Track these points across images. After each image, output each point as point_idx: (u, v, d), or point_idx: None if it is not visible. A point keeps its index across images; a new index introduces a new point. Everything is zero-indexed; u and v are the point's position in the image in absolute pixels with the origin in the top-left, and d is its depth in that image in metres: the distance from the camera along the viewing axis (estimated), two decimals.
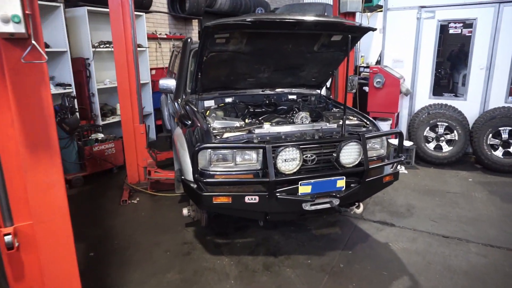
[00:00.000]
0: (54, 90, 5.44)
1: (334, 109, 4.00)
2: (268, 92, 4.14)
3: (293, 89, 4.29)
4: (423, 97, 6.17)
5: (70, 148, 4.95)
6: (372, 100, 5.96)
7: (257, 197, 2.72)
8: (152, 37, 7.82)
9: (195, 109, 3.52)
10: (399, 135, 3.21)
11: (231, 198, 2.72)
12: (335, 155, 2.86)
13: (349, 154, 2.87)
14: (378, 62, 6.96)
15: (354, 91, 5.40)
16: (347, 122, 3.40)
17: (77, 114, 5.57)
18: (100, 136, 5.37)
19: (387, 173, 3.17)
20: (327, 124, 3.22)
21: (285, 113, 4.07)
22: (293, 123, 3.57)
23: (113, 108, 6.86)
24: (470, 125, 5.71)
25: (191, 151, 2.95)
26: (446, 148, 5.58)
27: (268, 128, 3.04)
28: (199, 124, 3.10)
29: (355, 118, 3.54)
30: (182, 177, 3.07)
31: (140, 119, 4.69)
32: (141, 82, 7.06)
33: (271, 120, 3.62)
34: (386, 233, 3.58)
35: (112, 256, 3.22)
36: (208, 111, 3.73)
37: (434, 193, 4.56)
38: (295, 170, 2.74)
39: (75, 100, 5.37)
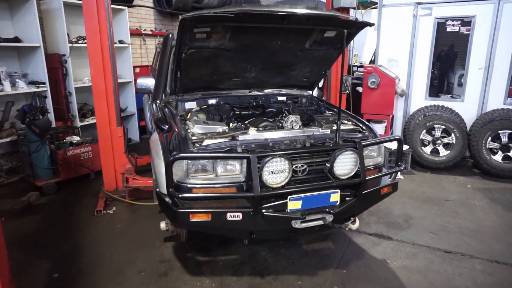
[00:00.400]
0: (26, 89, 5.04)
1: (326, 112, 3.69)
2: (255, 93, 3.81)
3: (283, 90, 3.98)
4: (419, 98, 5.91)
5: (42, 152, 4.56)
6: (366, 101, 5.67)
7: (240, 214, 2.40)
8: (136, 33, 7.43)
9: (175, 112, 3.18)
10: (398, 141, 2.91)
11: (210, 215, 2.39)
12: (328, 165, 2.55)
13: (344, 164, 2.56)
14: (372, 62, 6.69)
15: (348, 92, 5.13)
16: (341, 127, 3.09)
17: (49, 115, 5.18)
18: (76, 139, 4.98)
19: (385, 184, 2.87)
20: (320, 129, 2.90)
21: (273, 116, 3.75)
22: (282, 127, 3.25)
23: (93, 108, 6.43)
24: (468, 128, 5.46)
25: (167, 161, 2.62)
26: (443, 152, 5.32)
27: (253, 134, 2.71)
28: (176, 129, 2.76)
29: (350, 123, 3.23)
30: (157, 189, 2.73)
31: (117, 121, 4.32)
32: (124, 80, 6.72)
33: (258, 124, 3.30)
34: (383, 248, 3.28)
35: (78, 278, 2.87)
36: (189, 114, 3.40)
37: (432, 201, 4.29)
38: (283, 184, 2.42)
39: (46, 99, 4.99)
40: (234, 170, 2.54)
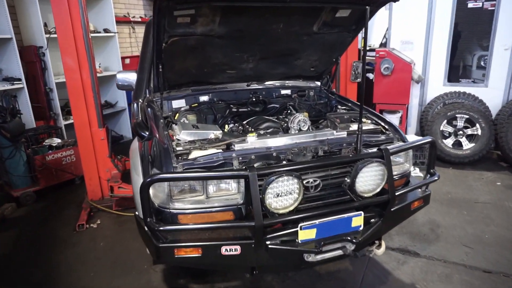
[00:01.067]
0: None
1: (339, 106, 3.13)
2: (254, 86, 3.26)
3: (287, 82, 3.42)
4: (437, 84, 5.33)
5: (16, 158, 4.05)
6: (378, 89, 5.10)
7: (238, 247, 1.89)
8: (124, 21, 6.82)
9: (159, 113, 2.64)
10: (431, 145, 2.37)
11: (201, 250, 1.88)
12: (348, 180, 2.02)
13: (369, 179, 2.03)
14: (382, 44, 6.07)
15: (358, 80, 4.55)
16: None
17: (28, 115, 4.67)
18: (56, 141, 4.46)
19: (416, 198, 2.35)
20: (334, 132, 2.36)
21: (277, 114, 3.21)
22: (288, 129, 2.72)
23: None
24: (493, 116, 4.90)
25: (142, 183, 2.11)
26: (467, 144, 4.77)
27: (253, 142, 2.18)
28: (157, 137, 2.23)
29: (369, 121, 2.69)
30: (136, 213, 2.22)
31: (99, 121, 3.79)
32: (111, 73, 6.14)
33: (258, 125, 2.77)
34: (410, 267, 2.78)
35: None
36: (177, 114, 2.87)
37: (460, 203, 3.76)
38: (292, 208, 1.90)
39: (21, 98, 4.46)
40: (229, 189, 2.02)
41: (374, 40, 6.64)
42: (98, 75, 5.21)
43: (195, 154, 2.11)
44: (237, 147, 2.15)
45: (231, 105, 3.12)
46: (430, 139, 2.35)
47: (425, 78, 5.33)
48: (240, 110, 3.14)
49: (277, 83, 3.36)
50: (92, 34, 5.60)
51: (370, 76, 5.65)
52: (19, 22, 5.07)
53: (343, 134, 2.38)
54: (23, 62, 4.79)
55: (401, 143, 2.37)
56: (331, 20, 2.61)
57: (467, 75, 5.34)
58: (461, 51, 5.25)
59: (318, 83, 3.43)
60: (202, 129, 2.47)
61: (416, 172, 4.45)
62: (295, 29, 2.60)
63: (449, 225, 3.36)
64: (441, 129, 4.81)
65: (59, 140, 4.50)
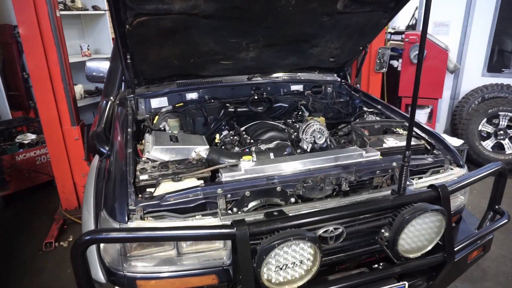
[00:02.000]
0: None
1: (364, 108, 2.45)
2: (257, 80, 2.58)
3: (298, 74, 2.73)
4: (474, 75, 4.55)
5: None
6: (406, 80, 4.35)
7: None
8: None
9: (130, 117, 2.01)
10: (500, 175, 1.69)
11: None
12: (387, 234, 1.37)
13: (418, 234, 1.37)
14: (410, 27, 5.26)
15: (384, 70, 3.85)
16: (396, 142, 1.88)
17: (3, 105, 4.07)
18: (29, 138, 3.86)
19: (475, 247, 1.69)
20: (363, 152, 1.69)
21: (285, 115, 2.55)
22: (298, 141, 2.06)
23: None
24: None
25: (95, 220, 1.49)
26: (510, 148, 4.04)
27: (248, 170, 1.53)
28: (118, 155, 1.61)
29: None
30: None
31: (71, 118, 3.16)
32: (102, 56, 5.47)
33: (260, 134, 2.10)
34: None
35: None
36: (156, 117, 2.22)
37: (508, 225, 3.07)
38: (302, 284, 1.26)
39: None
40: (211, 243, 1.38)
41: (400, 22, 5.81)
42: (86, 58, 4.57)
43: (164, 188, 1.48)
44: (225, 177, 1.51)
45: (227, 104, 2.47)
46: (500, 167, 1.66)
47: (460, 67, 4.55)
48: (238, 110, 2.48)
49: (286, 76, 2.68)
50: (80, 12, 4.96)
51: (395, 64, 4.89)
52: None
53: (376, 155, 1.71)
54: None
55: (457, 171, 1.70)
56: None
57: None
58: (506, 35, 4.43)
59: (338, 78, 2.74)
60: (182, 143, 1.83)
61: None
62: (312, 6, 1.89)
63: (497, 257, 2.70)
64: (479, 128, 4.08)
65: (33, 136, 3.89)
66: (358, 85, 2.76)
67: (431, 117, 4.51)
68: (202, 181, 1.53)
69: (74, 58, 4.66)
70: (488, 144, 4.10)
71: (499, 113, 3.99)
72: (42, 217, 3.43)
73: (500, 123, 4.04)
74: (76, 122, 3.19)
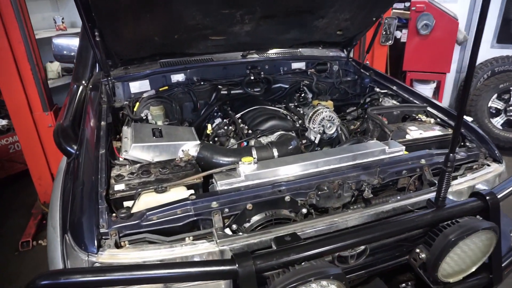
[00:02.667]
0: None
1: (376, 89, 2.14)
2: (253, 58, 2.25)
3: (300, 50, 2.39)
4: (483, 46, 4.19)
5: None
6: (411, 53, 4.03)
7: None
8: None
9: (105, 105, 1.69)
10: None
11: None
12: (423, 255, 1.11)
13: (463, 256, 1.11)
14: None
15: (390, 42, 3.51)
16: (420, 133, 1.60)
17: None
18: (1, 123, 3.49)
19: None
20: (386, 148, 1.40)
21: (285, 97, 2.24)
22: (304, 130, 1.77)
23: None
24: None
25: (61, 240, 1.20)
26: None
27: (248, 175, 1.24)
28: (88, 158, 1.30)
29: (431, 120, 1.73)
30: None
31: (43, 103, 2.80)
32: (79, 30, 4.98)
33: (259, 123, 1.80)
34: None
35: None
36: (136, 104, 1.90)
37: None
38: None
39: None
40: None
41: None
42: (62, 33, 4.12)
43: (145, 201, 1.18)
44: (220, 185, 1.22)
45: (219, 86, 2.14)
46: None
47: (469, 38, 4.23)
48: (232, 93, 2.16)
49: (286, 52, 2.34)
50: None
51: (398, 34, 4.54)
52: None
53: (400, 150, 1.43)
54: None
55: (494, 167, 1.44)
56: None
57: None
58: None
59: (344, 53, 2.41)
60: (167, 138, 1.52)
61: None
62: None
63: None
64: (489, 105, 3.82)
65: (4, 122, 3.52)
66: (367, 62, 2.43)
67: (436, 93, 4.23)
68: (192, 191, 1.24)
69: (48, 32, 4.18)
70: (498, 121, 3.86)
71: (511, 88, 3.72)
72: (18, 212, 3.13)
73: None
74: (48, 107, 2.83)
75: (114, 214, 1.11)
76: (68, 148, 1.50)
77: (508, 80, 3.72)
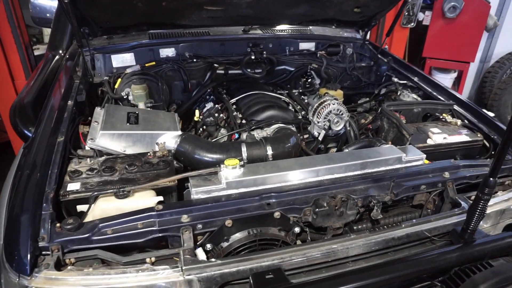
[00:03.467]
0: None
1: (394, 78, 1.87)
2: (256, 34, 1.97)
3: (310, 28, 2.10)
4: (510, 35, 3.87)
5: None
6: (434, 38, 3.66)
7: None
8: None
9: (77, 81, 1.45)
10: None
11: None
12: None
13: None
14: None
15: (412, 25, 3.21)
16: (444, 137, 1.34)
17: None
18: None
19: None
20: (403, 155, 1.16)
21: (290, 81, 1.98)
22: (307, 123, 1.53)
23: (38, 33, 4.58)
24: None
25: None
26: None
27: (231, 183, 1.01)
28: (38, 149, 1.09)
29: (458, 121, 1.46)
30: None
31: (25, 70, 2.57)
32: None
33: (255, 112, 1.56)
34: None
35: None
36: (118, 81, 1.65)
37: None
38: None
39: None
40: None
41: None
42: None
43: (101, 208, 0.97)
44: (196, 192, 0.99)
45: (215, 65, 1.88)
46: None
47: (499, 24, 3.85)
48: (229, 73, 1.90)
49: (293, 30, 2.05)
50: None
51: (420, 16, 4.16)
52: None
53: (420, 158, 1.18)
54: None
55: None
56: None
57: None
58: None
59: (360, 35, 2.12)
60: (143, 126, 1.30)
61: None
62: None
63: None
64: None
65: None
66: (386, 47, 2.14)
67: (456, 84, 3.90)
68: (161, 197, 1.01)
69: None
70: None
71: None
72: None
73: None
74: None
75: (58, 225, 0.89)
76: (25, 131, 1.27)
77: None
